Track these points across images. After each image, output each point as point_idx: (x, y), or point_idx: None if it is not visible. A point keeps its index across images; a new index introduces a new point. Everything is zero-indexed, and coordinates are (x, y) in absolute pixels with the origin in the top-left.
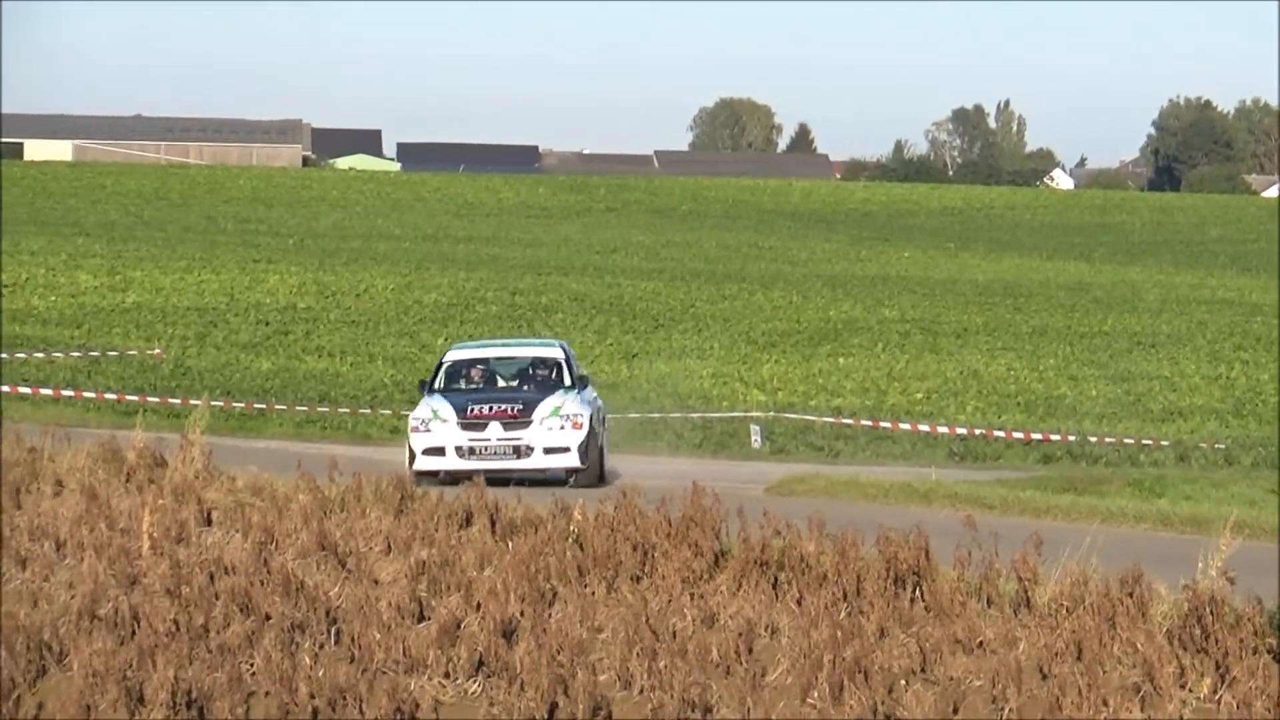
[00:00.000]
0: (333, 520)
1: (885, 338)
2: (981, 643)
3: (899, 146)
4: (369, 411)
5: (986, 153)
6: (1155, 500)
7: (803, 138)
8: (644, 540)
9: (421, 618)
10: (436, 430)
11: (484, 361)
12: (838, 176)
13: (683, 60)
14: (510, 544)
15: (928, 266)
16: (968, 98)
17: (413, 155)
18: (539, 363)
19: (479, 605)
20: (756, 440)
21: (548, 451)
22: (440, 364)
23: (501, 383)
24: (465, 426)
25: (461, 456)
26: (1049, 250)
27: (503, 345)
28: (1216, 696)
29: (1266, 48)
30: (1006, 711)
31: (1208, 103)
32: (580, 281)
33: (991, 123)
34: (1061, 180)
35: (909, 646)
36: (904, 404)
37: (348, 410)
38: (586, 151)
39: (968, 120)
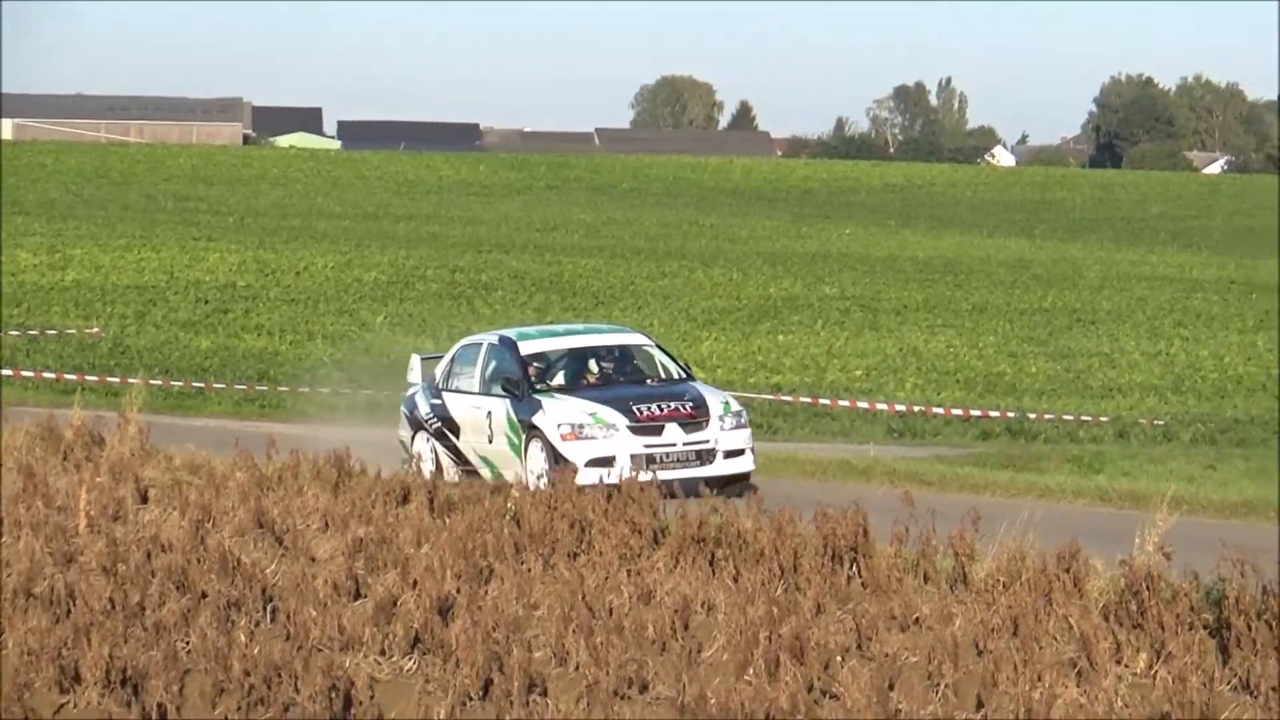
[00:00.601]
0: (270, 498)
1: (825, 315)
2: (918, 619)
3: (840, 124)
4: (308, 390)
5: (928, 130)
6: (1094, 476)
7: (744, 115)
8: (581, 518)
9: (358, 595)
10: (601, 436)
11: (576, 352)
12: (779, 154)
13: (624, 38)
14: (447, 521)
15: (868, 244)
16: (909, 75)
17: (353, 133)
18: (634, 351)
19: (415, 583)
20: None
21: (727, 455)
22: (522, 358)
23: (602, 375)
24: (639, 430)
25: (639, 466)
26: (990, 227)
27: (577, 333)
28: (1152, 672)
29: (1208, 24)
30: (942, 687)
31: (1149, 80)
32: (520, 259)
33: (933, 100)
34: (1003, 157)
35: (845, 623)
36: (843, 381)
37: (287, 388)
38: (527, 129)
39: (909, 98)
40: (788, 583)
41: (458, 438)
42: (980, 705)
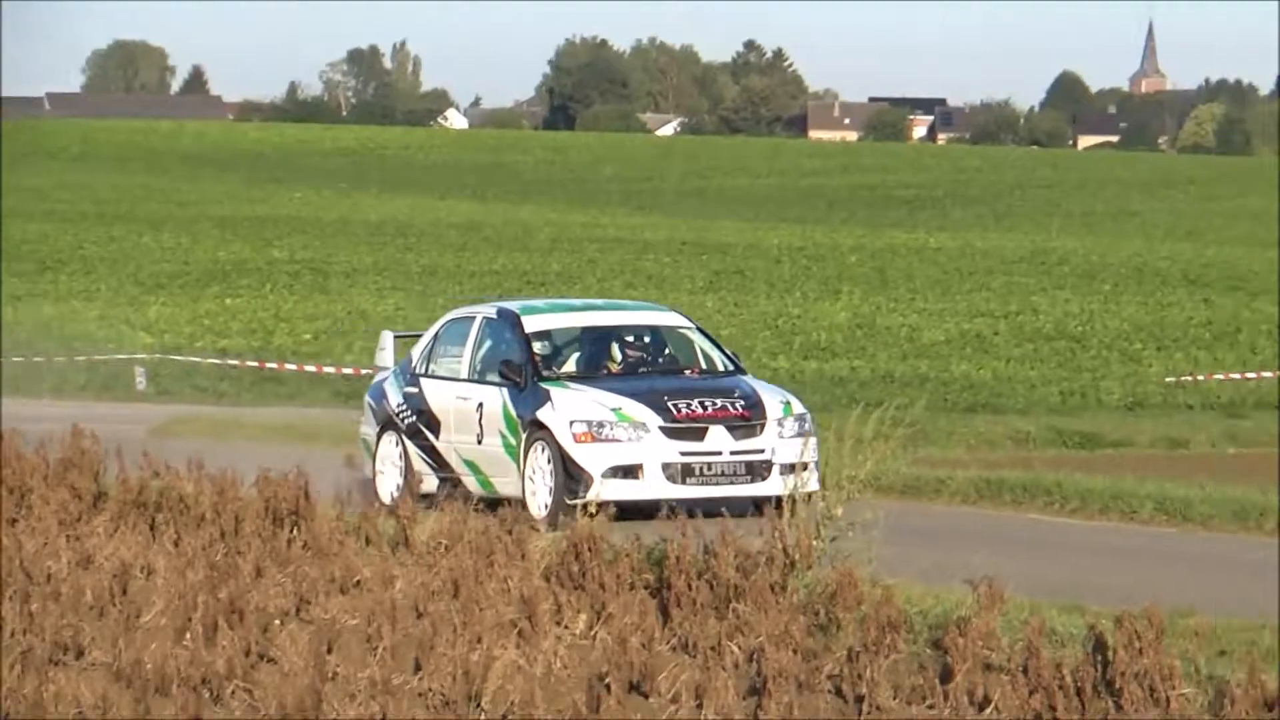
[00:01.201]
0: None
1: (273, 279)
2: (359, 582)
3: (293, 87)
4: None
5: (381, 93)
6: None
7: (197, 79)
8: (21, 483)
9: None
10: (626, 438)
11: (594, 332)
12: (230, 117)
13: (74, 2)
14: None
15: (320, 207)
16: (363, 38)
17: None
18: (668, 335)
19: None
20: (141, 382)
21: (784, 470)
22: (526, 337)
23: (626, 363)
24: (675, 433)
25: (673, 479)
26: (442, 190)
27: (596, 309)
28: (592, 632)
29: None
30: (380, 650)
31: (604, 42)
32: None
33: (387, 63)
34: (456, 120)
35: (285, 586)
36: (291, 344)
37: None
38: None
39: (363, 61)
40: (228, 546)
41: (437, 436)
42: (418, 668)
